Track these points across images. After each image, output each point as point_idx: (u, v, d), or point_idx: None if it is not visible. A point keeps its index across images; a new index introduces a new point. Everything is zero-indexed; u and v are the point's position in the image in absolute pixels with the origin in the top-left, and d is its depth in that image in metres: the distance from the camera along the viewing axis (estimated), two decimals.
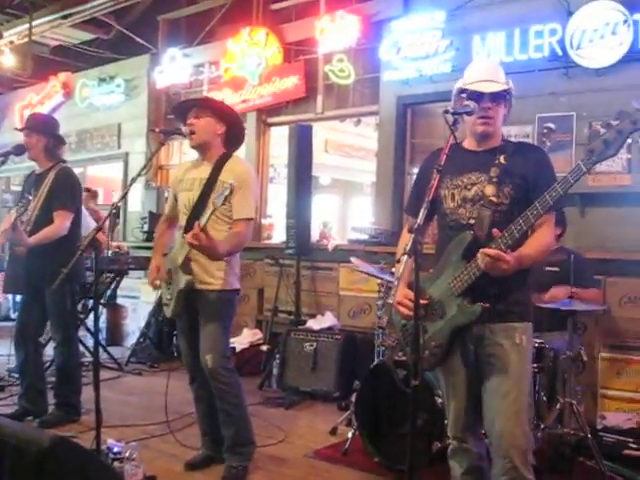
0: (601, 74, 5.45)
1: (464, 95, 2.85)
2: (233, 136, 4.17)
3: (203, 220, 3.60)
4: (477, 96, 2.80)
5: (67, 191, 4.97)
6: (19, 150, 5.02)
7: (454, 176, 2.88)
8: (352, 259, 5.31)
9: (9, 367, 6.59)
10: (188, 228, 3.79)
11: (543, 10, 5.76)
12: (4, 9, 9.50)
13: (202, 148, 4.06)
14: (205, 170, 4.01)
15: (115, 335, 8.61)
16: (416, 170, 3.29)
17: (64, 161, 5.15)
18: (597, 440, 4.21)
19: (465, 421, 2.90)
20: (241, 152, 7.58)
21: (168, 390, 4.30)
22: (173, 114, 4.27)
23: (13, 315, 10.03)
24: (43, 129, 5.06)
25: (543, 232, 2.76)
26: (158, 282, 4.10)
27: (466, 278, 2.70)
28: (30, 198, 4.97)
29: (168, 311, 4.07)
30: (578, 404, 4.21)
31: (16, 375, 6.21)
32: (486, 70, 2.91)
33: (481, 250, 2.58)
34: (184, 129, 4.00)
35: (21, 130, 5.12)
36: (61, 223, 4.86)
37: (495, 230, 2.61)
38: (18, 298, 7.04)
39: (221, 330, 4.01)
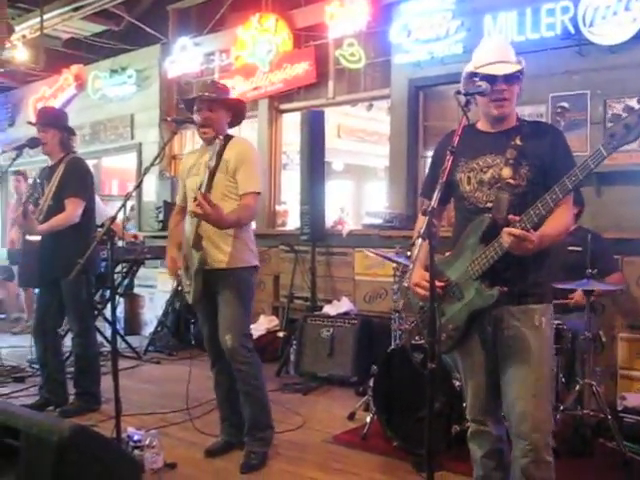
0: (614, 51, 5.38)
1: (476, 79, 2.79)
2: (235, 119, 4.24)
3: (202, 187, 3.64)
4: (490, 79, 2.74)
5: (78, 180, 4.99)
6: (34, 143, 5.04)
7: (469, 159, 2.85)
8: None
9: (29, 358, 6.67)
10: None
11: None
12: (15, 3, 9.50)
13: (213, 138, 4.06)
14: (210, 155, 4.03)
15: (133, 324, 8.66)
16: (429, 153, 3.28)
17: (75, 152, 5.17)
18: (617, 421, 4.19)
19: (484, 403, 2.89)
20: (253, 139, 7.64)
21: (185, 378, 4.32)
22: (183, 104, 4.28)
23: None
24: (56, 123, 5.09)
25: (562, 212, 2.71)
26: (179, 272, 4.11)
27: (484, 261, 2.68)
28: (38, 181, 5.02)
29: (190, 297, 4.05)
30: (598, 385, 4.20)
31: (36, 366, 6.28)
32: (497, 50, 2.84)
33: (505, 229, 2.55)
34: (196, 118, 4.01)
35: (34, 125, 5.15)
36: (73, 210, 4.89)
37: (511, 216, 2.58)
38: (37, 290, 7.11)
39: (240, 309, 4.01)
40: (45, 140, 5.03)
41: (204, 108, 4.02)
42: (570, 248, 4.52)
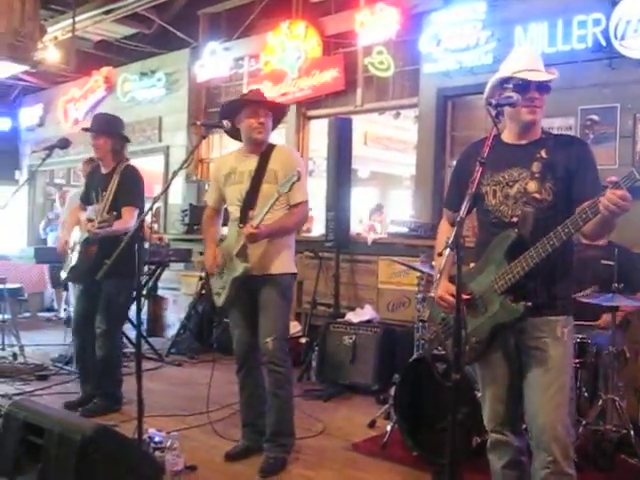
0: None
1: (509, 85, 2.77)
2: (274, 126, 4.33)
3: (264, 210, 3.81)
4: (523, 86, 2.74)
5: (133, 188, 5.11)
6: (63, 144, 5.08)
7: (495, 172, 2.84)
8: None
9: (53, 357, 6.75)
10: (243, 219, 3.96)
11: (586, 0, 5.67)
12: (48, 5, 9.61)
13: (261, 144, 4.15)
14: (252, 162, 4.11)
15: (156, 326, 8.72)
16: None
17: (127, 159, 5.27)
18: (639, 437, 4.14)
19: (505, 415, 2.88)
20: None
21: (206, 381, 4.35)
22: (225, 110, 4.30)
23: (56, 306, 10.26)
24: (110, 130, 5.19)
25: None
26: (216, 269, 4.16)
27: (510, 277, 2.68)
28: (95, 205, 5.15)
29: (220, 300, 4.12)
30: (620, 400, 4.16)
31: (59, 365, 6.37)
32: (531, 59, 2.84)
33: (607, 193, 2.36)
34: (225, 123, 4.04)
35: (87, 131, 5.25)
36: (129, 218, 4.97)
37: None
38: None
39: (282, 313, 4.12)
40: (97, 146, 5.15)
41: (262, 114, 4.09)
42: (604, 262, 4.48)
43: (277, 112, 4.29)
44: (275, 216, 3.97)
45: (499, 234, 2.77)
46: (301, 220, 4.20)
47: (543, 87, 2.79)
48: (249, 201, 4.02)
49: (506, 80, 2.81)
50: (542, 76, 2.78)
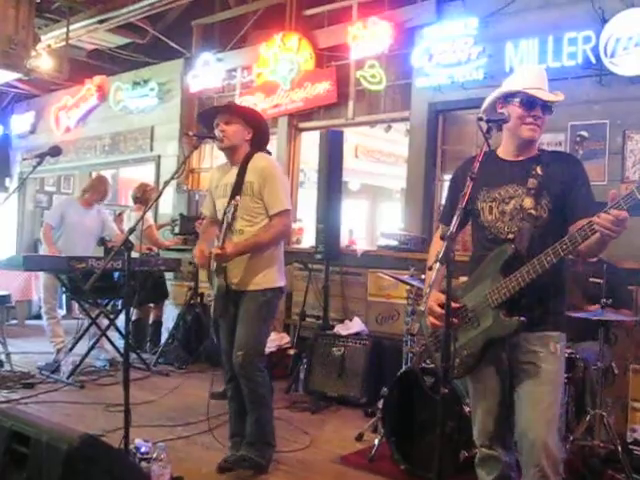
0: (635, 82, 5.38)
1: (516, 99, 2.79)
2: (259, 140, 4.23)
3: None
4: (530, 102, 2.77)
5: None
6: (55, 152, 5.07)
7: (491, 188, 2.86)
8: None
9: (40, 365, 6.71)
10: (223, 238, 3.98)
11: (577, 17, 5.71)
12: (42, 14, 9.64)
13: (231, 152, 4.11)
14: (233, 175, 4.09)
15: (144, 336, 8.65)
16: (447, 176, 3.28)
17: None
18: (627, 453, 4.15)
19: (494, 430, 2.88)
20: (272, 156, 7.60)
21: (194, 392, 4.33)
22: (199, 119, 4.33)
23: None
24: None
25: None
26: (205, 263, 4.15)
27: (504, 291, 2.69)
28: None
29: (211, 312, 4.19)
30: (608, 416, 4.16)
31: (46, 373, 6.34)
32: (539, 79, 2.85)
33: (601, 215, 2.39)
34: (217, 133, 4.04)
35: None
36: None
37: (613, 191, 2.45)
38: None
39: (255, 328, 4.05)
40: None
41: (221, 121, 4.04)
42: (592, 280, 4.50)
43: (255, 123, 4.17)
44: (255, 229, 3.96)
45: (494, 250, 2.79)
46: (279, 232, 4.05)
47: (547, 107, 2.82)
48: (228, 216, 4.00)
49: (513, 94, 2.82)
50: (550, 96, 2.80)
